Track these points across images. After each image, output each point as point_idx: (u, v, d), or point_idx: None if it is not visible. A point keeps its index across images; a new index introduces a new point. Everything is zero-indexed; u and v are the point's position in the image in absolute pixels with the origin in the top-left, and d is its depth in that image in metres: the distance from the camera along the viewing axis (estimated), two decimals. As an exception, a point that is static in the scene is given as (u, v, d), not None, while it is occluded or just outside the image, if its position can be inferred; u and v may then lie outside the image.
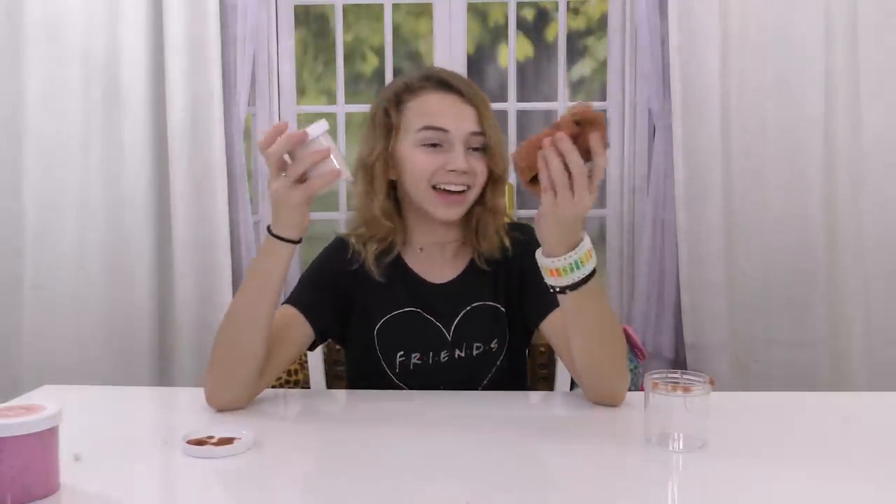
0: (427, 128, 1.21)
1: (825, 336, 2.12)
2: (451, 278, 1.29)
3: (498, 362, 1.27)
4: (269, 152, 1.03)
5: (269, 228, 1.08)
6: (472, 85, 1.26)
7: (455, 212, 1.23)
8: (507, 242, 1.27)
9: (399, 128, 1.23)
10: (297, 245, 1.09)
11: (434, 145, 1.21)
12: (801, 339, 2.13)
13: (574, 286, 1.01)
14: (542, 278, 1.05)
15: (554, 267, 1.01)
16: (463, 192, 1.22)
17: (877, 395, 1.36)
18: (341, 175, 1.04)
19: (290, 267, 1.12)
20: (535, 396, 1.36)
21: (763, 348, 2.15)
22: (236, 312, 1.13)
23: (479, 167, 1.23)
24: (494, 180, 1.26)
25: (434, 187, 1.21)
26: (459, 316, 1.26)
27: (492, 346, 1.26)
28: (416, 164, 1.22)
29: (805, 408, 1.20)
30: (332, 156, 1.03)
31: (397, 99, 1.25)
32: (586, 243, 1.01)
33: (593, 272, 1.02)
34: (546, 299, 1.13)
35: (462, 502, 0.81)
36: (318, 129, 1.03)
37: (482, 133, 1.22)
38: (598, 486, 0.88)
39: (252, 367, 1.12)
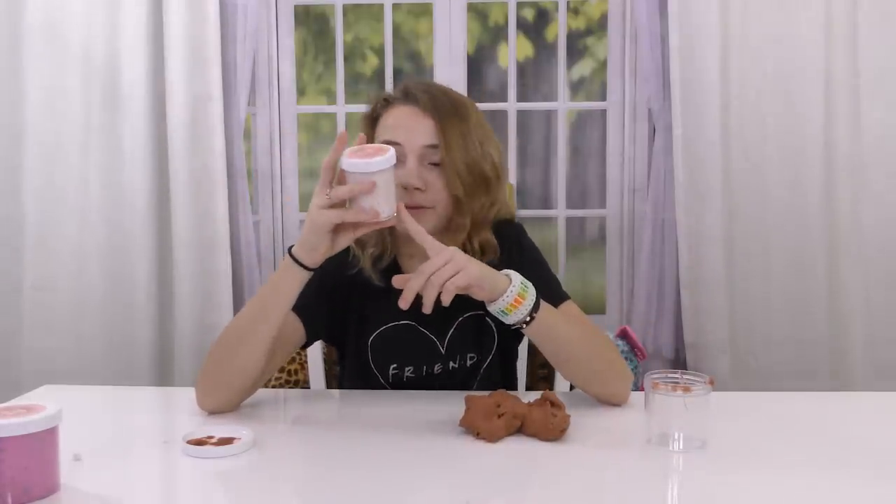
0: (384, 142, 1.17)
1: (825, 335, 2.12)
2: None
3: (485, 365, 1.26)
4: (323, 163, 1.02)
5: (290, 247, 1.07)
6: (442, 96, 1.20)
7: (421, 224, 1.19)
8: (493, 255, 1.23)
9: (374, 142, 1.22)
10: (308, 273, 1.06)
11: None
12: (800, 339, 2.13)
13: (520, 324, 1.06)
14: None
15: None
16: (423, 206, 1.17)
17: (877, 395, 1.36)
18: (378, 216, 1.00)
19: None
20: (534, 397, 1.35)
21: (763, 348, 2.15)
22: (239, 326, 1.12)
23: (437, 183, 1.18)
24: (455, 199, 1.19)
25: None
26: (453, 328, 1.25)
27: (484, 354, 1.26)
28: None
29: (805, 408, 1.20)
30: (374, 192, 0.99)
31: (373, 114, 1.24)
32: (509, 296, 1.04)
33: (535, 308, 1.05)
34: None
35: (462, 502, 0.81)
36: (378, 163, 0.99)
37: (437, 146, 1.17)
38: (599, 486, 0.88)
39: (249, 379, 1.12)
